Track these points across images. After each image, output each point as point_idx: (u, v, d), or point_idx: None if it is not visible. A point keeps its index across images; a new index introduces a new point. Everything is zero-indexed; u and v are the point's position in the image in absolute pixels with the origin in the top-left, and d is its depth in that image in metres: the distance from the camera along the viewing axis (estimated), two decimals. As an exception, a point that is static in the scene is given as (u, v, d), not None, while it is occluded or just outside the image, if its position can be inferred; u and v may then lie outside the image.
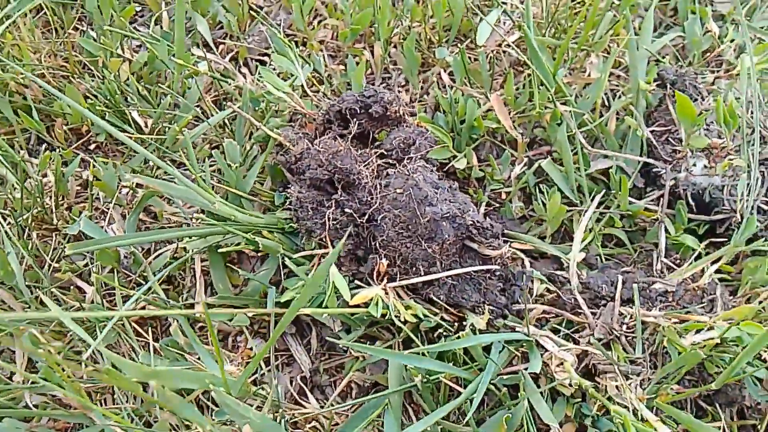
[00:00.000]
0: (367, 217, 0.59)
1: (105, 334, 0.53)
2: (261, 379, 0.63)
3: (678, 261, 0.67)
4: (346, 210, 0.59)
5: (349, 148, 0.62)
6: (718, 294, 0.61)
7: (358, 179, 0.59)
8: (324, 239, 0.59)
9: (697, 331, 0.55)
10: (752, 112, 0.71)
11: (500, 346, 0.56)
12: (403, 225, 0.56)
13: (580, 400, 0.56)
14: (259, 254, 0.65)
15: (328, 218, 0.58)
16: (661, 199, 0.70)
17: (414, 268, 0.57)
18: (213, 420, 0.52)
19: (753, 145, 0.69)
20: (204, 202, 0.58)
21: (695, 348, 0.51)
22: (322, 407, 0.61)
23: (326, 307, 0.55)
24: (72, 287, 0.64)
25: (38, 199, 0.65)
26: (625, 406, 0.51)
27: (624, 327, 0.56)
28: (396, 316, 0.54)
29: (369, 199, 0.59)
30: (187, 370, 0.49)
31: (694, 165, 0.69)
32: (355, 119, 0.65)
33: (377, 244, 0.59)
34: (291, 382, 0.64)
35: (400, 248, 0.57)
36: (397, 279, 0.58)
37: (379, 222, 0.58)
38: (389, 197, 0.57)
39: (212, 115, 0.73)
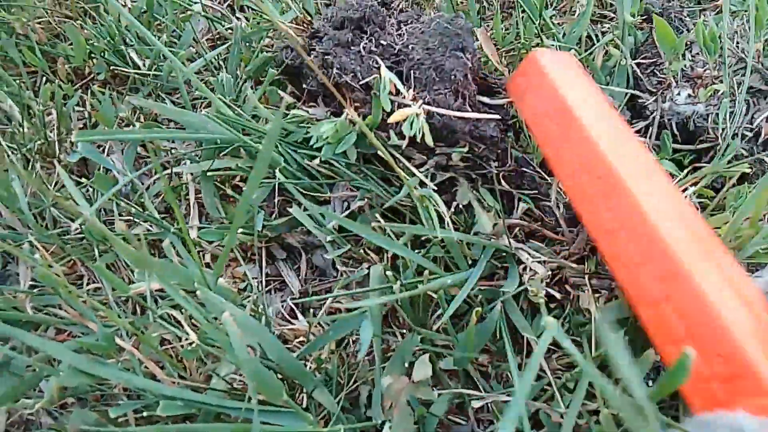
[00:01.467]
0: (397, 51, 0.62)
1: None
2: (255, 301, 0.66)
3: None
4: (382, 42, 0.61)
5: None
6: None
7: (385, 21, 0.62)
8: (358, 74, 0.61)
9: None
10: (737, 42, 0.71)
11: (485, 256, 0.57)
12: (430, 54, 0.60)
13: (560, 315, 0.58)
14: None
15: (363, 49, 0.60)
16: (650, 128, 0.71)
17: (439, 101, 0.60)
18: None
19: (737, 73, 0.70)
20: (201, 122, 0.60)
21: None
22: (310, 325, 0.63)
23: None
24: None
25: (42, 132, 0.68)
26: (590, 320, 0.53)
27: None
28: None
29: (397, 38, 0.62)
30: (176, 265, 0.51)
31: (678, 94, 0.70)
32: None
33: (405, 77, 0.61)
34: (282, 305, 0.66)
35: (428, 76, 0.59)
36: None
37: (409, 52, 0.61)
38: (417, 32, 0.61)
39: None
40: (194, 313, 0.44)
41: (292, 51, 0.67)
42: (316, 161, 0.63)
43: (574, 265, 0.56)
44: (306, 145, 0.64)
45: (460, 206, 0.64)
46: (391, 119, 0.57)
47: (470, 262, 0.59)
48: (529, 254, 0.57)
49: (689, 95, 0.69)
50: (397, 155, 0.62)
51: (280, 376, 0.55)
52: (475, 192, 0.65)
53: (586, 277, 0.55)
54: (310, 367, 0.58)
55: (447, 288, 0.56)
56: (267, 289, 0.67)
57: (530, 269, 0.56)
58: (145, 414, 0.53)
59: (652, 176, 0.47)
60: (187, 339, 0.53)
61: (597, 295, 0.55)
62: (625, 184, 0.45)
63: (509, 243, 0.57)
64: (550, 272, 0.57)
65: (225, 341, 0.45)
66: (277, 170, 0.63)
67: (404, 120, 0.57)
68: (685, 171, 0.67)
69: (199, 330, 0.51)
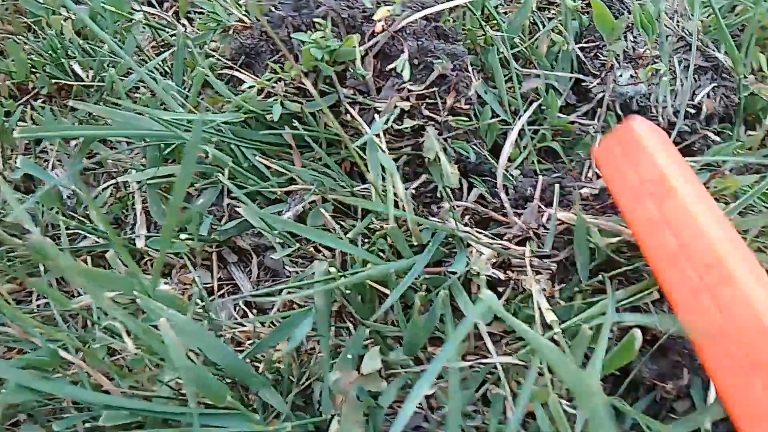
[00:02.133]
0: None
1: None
2: (207, 307, 0.66)
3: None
4: None
5: None
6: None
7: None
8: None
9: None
10: (678, 21, 0.72)
11: (435, 241, 0.57)
12: None
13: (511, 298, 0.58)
14: (199, 186, 0.67)
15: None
16: (598, 111, 0.71)
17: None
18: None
19: (678, 52, 0.70)
20: (148, 130, 0.59)
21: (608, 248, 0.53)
22: (263, 324, 0.63)
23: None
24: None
25: (-17, 150, 0.68)
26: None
27: (541, 227, 0.58)
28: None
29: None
30: (116, 274, 0.50)
31: (621, 76, 0.70)
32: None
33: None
34: (235, 308, 0.66)
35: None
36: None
37: None
38: None
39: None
40: (127, 322, 0.44)
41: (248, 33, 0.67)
42: (266, 161, 0.63)
43: (516, 247, 0.56)
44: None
45: (412, 190, 0.64)
46: (377, 16, 0.60)
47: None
48: (476, 237, 0.57)
49: (631, 76, 0.70)
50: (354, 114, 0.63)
51: (228, 379, 0.55)
52: (443, 142, 0.65)
53: (527, 259, 0.55)
54: (261, 368, 0.57)
55: (395, 278, 0.56)
56: (220, 293, 0.66)
57: (476, 252, 0.56)
58: (94, 425, 0.52)
59: (757, 270, 0.43)
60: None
61: (538, 276, 0.55)
62: (736, 277, 0.41)
63: (456, 225, 0.57)
64: (496, 255, 0.57)
65: (161, 347, 0.44)
66: (226, 171, 0.63)
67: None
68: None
69: (138, 339, 0.50)
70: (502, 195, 0.61)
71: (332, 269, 0.53)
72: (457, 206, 0.62)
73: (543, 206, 0.60)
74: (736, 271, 0.41)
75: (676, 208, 0.46)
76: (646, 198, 0.48)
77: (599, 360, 0.45)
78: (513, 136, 0.67)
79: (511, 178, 0.67)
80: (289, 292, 0.62)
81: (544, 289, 0.56)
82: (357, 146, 0.60)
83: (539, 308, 0.52)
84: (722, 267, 0.42)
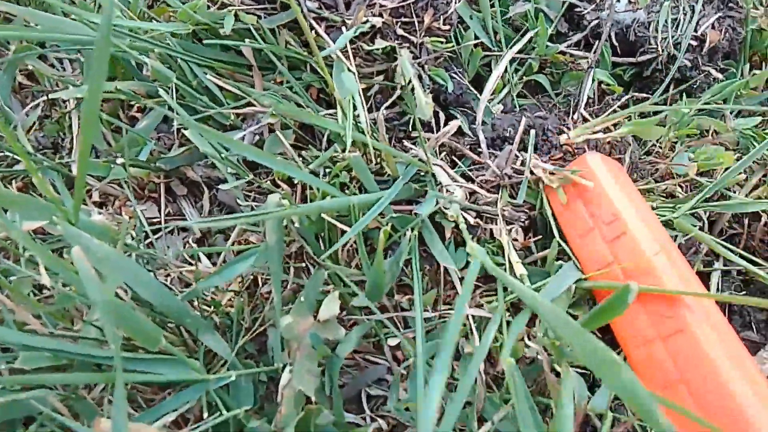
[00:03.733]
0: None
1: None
2: (155, 244, 0.59)
3: (598, 111, 0.62)
4: None
5: None
6: (627, 153, 0.57)
7: None
8: None
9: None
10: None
11: (405, 176, 0.51)
12: None
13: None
14: (146, 104, 0.59)
15: None
16: (591, 41, 0.65)
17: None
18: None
19: (683, -24, 0.63)
20: (81, 32, 0.51)
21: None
22: (214, 265, 0.57)
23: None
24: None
25: None
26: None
27: (517, 173, 0.52)
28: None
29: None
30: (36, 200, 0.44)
31: (618, 1, 0.63)
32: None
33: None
34: (185, 246, 0.60)
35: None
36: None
37: None
38: None
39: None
40: (36, 251, 0.38)
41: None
42: (218, 80, 0.56)
43: (487, 194, 0.51)
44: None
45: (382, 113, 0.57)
46: None
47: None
48: (449, 174, 0.51)
49: (629, 2, 0.63)
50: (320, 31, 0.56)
51: (170, 323, 0.49)
52: (418, 68, 0.58)
53: (499, 208, 0.49)
54: (208, 312, 0.52)
55: (358, 214, 0.50)
56: (168, 229, 0.60)
57: (447, 191, 0.50)
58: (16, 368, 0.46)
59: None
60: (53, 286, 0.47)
61: (510, 226, 0.49)
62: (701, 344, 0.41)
63: (427, 158, 0.51)
64: (467, 197, 0.51)
65: (76, 280, 0.38)
66: (172, 87, 0.55)
67: None
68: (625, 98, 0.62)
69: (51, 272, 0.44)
70: (480, 133, 0.55)
71: (285, 201, 0.47)
72: (429, 139, 0.56)
73: (520, 152, 0.54)
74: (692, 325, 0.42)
75: (627, 246, 0.46)
76: (596, 235, 0.48)
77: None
78: (501, 66, 0.60)
79: (491, 113, 0.60)
80: (244, 229, 0.56)
81: (515, 239, 0.50)
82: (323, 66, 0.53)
83: (509, 260, 0.47)
84: (678, 317, 0.42)
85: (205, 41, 0.57)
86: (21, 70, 0.63)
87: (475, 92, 0.63)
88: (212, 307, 0.52)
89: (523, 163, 0.52)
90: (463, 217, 0.49)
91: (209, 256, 0.59)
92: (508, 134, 0.56)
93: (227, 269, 0.49)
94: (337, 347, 0.48)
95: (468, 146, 0.56)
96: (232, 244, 0.57)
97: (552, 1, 0.65)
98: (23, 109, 0.61)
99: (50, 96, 0.56)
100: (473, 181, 0.53)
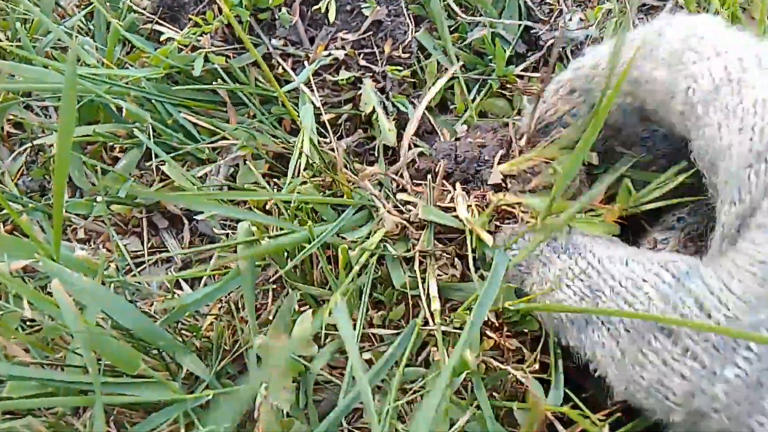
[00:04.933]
0: None
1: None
2: (139, 276, 0.62)
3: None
4: None
5: None
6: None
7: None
8: None
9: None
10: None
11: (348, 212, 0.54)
12: None
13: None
14: (125, 144, 0.63)
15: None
16: (549, 59, 0.68)
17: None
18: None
19: (629, -7, 0.67)
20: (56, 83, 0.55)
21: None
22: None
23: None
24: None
25: None
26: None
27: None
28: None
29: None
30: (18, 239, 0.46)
31: (570, 19, 0.67)
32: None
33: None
34: (167, 274, 0.62)
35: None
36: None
37: None
38: None
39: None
40: (15, 286, 0.40)
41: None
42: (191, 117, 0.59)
43: (414, 230, 0.53)
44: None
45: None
46: None
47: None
48: (384, 206, 0.53)
49: (581, 19, 0.66)
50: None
51: (153, 349, 0.51)
52: (379, 95, 0.61)
53: (420, 244, 0.52)
54: (188, 337, 0.54)
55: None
56: (152, 261, 0.63)
57: (382, 221, 0.52)
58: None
59: None
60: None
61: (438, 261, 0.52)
62: None
63: (368, 188, 0.54)
64: (397, 228, 0.53)
65: (57, 312, 0.41)
66: (148, 127, 0.59)
67: None
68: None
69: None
70: (405, 173, 0.56)
71: (254, 228, 0.50)
72: (392, 166, 0.58)
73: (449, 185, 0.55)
74: None
75: None
76: None
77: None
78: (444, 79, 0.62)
79: (456, 132, 0.63)
80: (219, 257, 0.59)
81: (439, 275, 0.52)
82: (289, 100, 0.56)
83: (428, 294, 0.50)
84: None
85: (177, 85, 0.61)
86: (8, 120, 0.67)
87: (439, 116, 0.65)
88: (192, 332, 0.54)
89: (452, 200, 0.53)
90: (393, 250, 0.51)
91: (191, 285, 0.61)
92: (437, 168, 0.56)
93: (205, 295, 0.52)
94: (312, 362, 0.50)
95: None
96: (212, 271, 0.59)
97: (508, 26, 0.69)
98: (10, 156, 0.65)
99: (35, 142, 0.60)
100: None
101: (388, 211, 0.50)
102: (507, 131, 0.60)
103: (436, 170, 0.53)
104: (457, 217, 0.51)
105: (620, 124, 0.47)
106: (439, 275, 0.52)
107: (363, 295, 0.52)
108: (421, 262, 0.52)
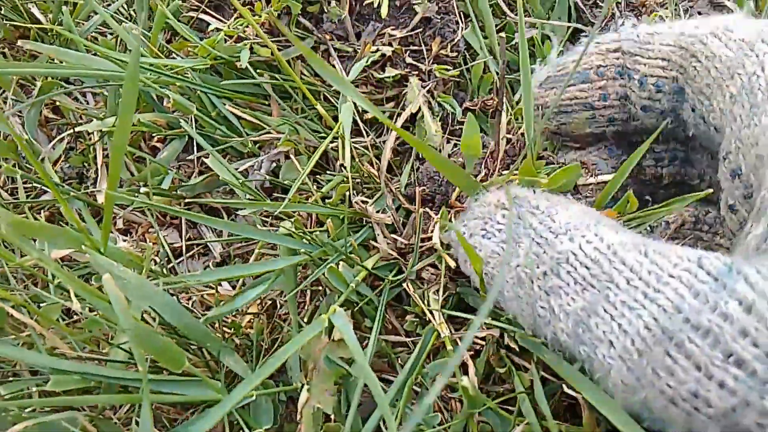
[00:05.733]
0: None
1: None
2: (177, 268, 0.62)
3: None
4: None
5: None
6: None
7: None
8: None
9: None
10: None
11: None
12: None
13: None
14: (168, 134, 0.62)
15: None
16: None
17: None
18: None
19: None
20: (105, 68, 0.54)
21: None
22: (233, 288, 0.59)
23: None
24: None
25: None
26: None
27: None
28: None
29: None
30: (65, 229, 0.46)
31: (623, 24, 0.65)
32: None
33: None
34: (205, 269, 0.62)
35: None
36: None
37: None
38: None
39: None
40: (66, 278, 0.40)
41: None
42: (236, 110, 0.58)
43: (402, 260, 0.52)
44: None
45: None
46: None
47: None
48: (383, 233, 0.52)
49: (633, 25, 0.64)
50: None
51: (193, 345, 0.51)
52: (427, 94, 0.60)
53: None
54: (229, 334, 0.53)
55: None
56: (189, 254, 0.62)
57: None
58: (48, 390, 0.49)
59: None
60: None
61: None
62: None
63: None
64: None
65: (104, 306, 0.40)
66: (191, 118, 0.58)
67: None
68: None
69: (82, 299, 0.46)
70: (392, 212, 0.54)
71: (294, 231, 0.49)
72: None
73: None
74: None
75: None
76: None
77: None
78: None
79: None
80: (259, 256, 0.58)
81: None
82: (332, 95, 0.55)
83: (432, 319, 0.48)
84: None
85: (221, 76, 0.60)
86: (46, 104, 0.67)
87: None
88: (232, 330, 0.53)
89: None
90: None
91: (229, 280, 0.61)
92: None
93: (245, 293, 0.51)
94: (353, 366, 0.49)
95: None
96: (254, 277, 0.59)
97: (557, 27, 0.67)
98: (50, 142, 0.64)
99: (75, 129, 0.59)
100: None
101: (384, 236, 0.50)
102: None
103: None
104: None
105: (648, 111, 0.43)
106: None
107: (380, 306, 0.51)
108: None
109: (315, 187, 0.59)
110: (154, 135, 0.64)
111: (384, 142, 0.59)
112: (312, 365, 0.50)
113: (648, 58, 0.40)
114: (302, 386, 0.49)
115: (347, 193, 0.51)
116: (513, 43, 0.67)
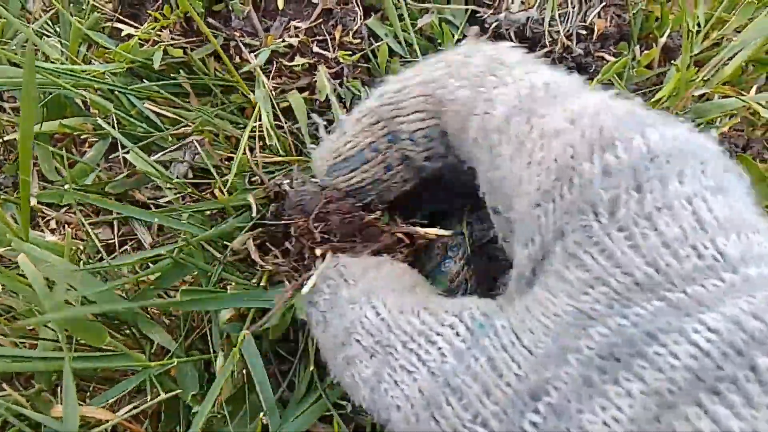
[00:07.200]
0: None
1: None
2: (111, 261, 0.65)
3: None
4: None
5: None
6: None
7: None
8: None
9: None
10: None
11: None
12: None
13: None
14: (92, 135, 0.66)
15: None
16: (495, 41, 0.71)
17: None
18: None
19: (568, -25, 0.70)
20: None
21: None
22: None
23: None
24: None
25: None
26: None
27: None
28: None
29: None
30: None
31: (512, 2, 0.70)
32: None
33: None
34: (140, 262, 0.65)
35: None
36: None
37: None
38: None
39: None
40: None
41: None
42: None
43: None
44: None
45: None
46: None
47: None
48: None
49: (522, 2, 0.70)
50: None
51: (123, 326, 0.54)
52: (332, 82, 0.63)
53: None
54: (157, 313, 0.57)
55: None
56: (122, 249, 0.65)
57: None
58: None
59: None
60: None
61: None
62: None
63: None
64: None
65: (19, 287, 0.44)
66: (112, 117, 0.61)
67: None
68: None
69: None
70: None
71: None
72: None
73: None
74: None
75: None
76: None
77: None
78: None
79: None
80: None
81: None
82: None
83: None
84: None
85: (141, 79, 0.64)
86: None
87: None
88: (161, 310, 0.57)
89: None
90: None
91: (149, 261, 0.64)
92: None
93: (170, 274, 0.55)
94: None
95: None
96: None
97: (455, 11, 0.72)
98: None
99: (5, 138, 0.62)
100: None
101: None
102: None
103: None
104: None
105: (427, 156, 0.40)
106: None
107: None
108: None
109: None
110: (85, 141, 0.68)
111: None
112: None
113: (406, 116, 0.38)
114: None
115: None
116: (417, 28, 0.72)
